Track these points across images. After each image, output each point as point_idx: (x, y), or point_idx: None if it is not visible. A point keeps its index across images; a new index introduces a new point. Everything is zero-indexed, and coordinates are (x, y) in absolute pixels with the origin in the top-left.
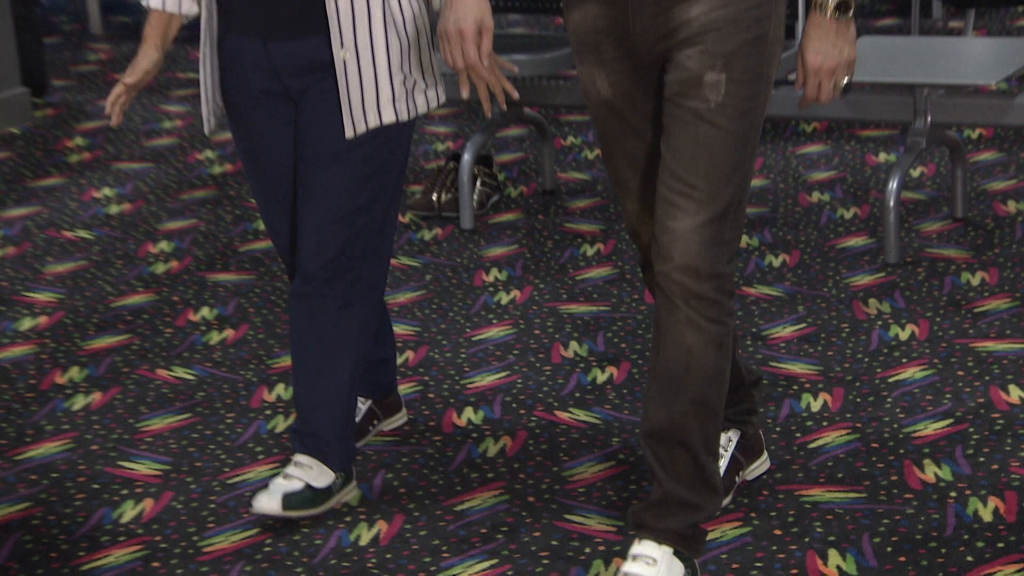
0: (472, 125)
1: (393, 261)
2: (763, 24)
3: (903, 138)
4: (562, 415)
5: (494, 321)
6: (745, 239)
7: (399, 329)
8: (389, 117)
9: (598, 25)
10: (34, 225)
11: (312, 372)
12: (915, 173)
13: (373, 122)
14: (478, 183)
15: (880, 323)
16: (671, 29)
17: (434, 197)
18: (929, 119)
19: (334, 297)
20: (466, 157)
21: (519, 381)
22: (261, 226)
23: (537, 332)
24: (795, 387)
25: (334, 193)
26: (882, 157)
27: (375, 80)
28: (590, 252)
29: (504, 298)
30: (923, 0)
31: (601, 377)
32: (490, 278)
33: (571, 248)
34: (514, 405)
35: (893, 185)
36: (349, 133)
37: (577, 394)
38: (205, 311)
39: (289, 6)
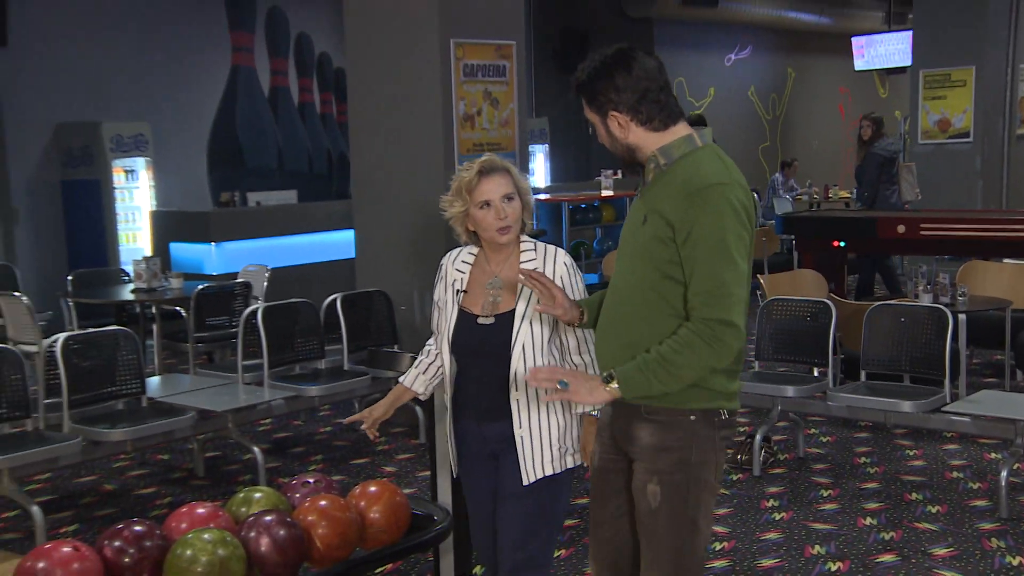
0: (758, 420)
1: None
2: (685, 451)
3: (1006, 445)
4: None
5: (770, 530)
6: (914, 495)
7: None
8: (549, 471)
9: (605, 419)
10: None
11: None
12: (1015, 467)
13: (540, 474)
14: (763, 451)
15: (999, 552)
16: (629, 439)
17: (739, 457)
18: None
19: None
20: (758, 437)
21: (786, 564)
22: None
23: (796, 539)
24: None
25: (518, 509)
26: (994, 455)
27: (541, 448)
28: (825, 494)
29: (776, 515)
30: (1011, 369)
31: (833, 567)
32: (768, 503)
33: (815, 491)
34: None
35: (1004, 472)
36: (525, 481)
37: (819, 574)
38: None
39: (493, 403)
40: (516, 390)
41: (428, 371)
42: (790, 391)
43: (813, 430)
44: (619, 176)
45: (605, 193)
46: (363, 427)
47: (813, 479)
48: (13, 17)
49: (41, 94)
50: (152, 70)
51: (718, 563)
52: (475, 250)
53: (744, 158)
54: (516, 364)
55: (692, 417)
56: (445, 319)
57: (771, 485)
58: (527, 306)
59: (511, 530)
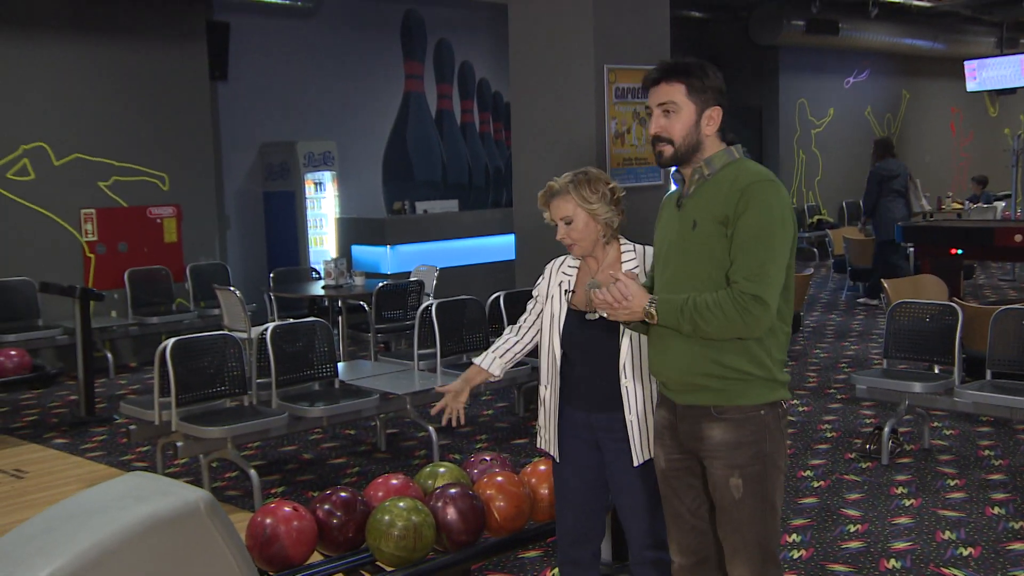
0: (884, 414)
1: (858, 475)
2: (760, 443)
3: None
4: (945, 571)
5: (901, 515)
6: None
7: (856, 493)
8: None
9: (663, 423)
10: None
11: None
12: None
13: (646, 457)
14: (890, 442)
15: None
16: (700, 438)
17: (868, 446)
18: None
19: (651, 552)
20: (887, 428)
21: (918, 548)
22: None
23: (926, 524)
24: None
25: (635, 497)
26: None
27: (647, 431)
28: (952, 483)
29: (906, 502)
30: None
31: (964, 552)
32: (898, 490)
33: (941, 480)
34: (916, 561)
35: None
36: (636, 463)
37: (951, 558)
38: None
39: (604, 393)
40: (625, 378)
41: (505, 356)
42: (918, 387)
43: (936, 423)
44: None
45: None
46: (445, 400)
47: (939, 469)
48: (232, 56)
49: (250, 118)
50: (338, 96)
51: (852, 544)
52: None
53: (859, 172)
54: (624, 356)
55: (762, 412)
56: (549, 314)
57: (899, 474)
58: None
59: (644, 515)
